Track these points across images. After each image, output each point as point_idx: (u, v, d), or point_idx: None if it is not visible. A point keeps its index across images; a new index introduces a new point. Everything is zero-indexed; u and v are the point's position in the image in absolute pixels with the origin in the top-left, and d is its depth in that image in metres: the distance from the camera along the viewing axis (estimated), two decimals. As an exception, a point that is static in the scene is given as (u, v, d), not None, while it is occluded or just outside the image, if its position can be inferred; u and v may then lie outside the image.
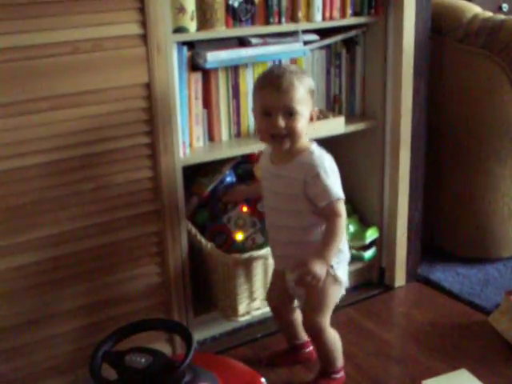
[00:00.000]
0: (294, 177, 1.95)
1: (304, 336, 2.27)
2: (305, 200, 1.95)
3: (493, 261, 2.91)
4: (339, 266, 2.02)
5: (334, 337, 2.10)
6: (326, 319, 2.06)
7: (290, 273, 2.03)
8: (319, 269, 1.87)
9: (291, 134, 1.92)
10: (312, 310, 2.06)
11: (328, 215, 1.94)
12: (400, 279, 2.76)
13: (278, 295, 2.18)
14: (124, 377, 1.63)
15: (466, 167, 2.80)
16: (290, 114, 1.90)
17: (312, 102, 1.96)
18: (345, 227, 1.97)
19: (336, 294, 2.06)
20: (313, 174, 1.91)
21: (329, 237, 1.93)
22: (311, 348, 2.27)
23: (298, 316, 2.22)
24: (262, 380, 1.88)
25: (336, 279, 2.02)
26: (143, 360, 1.63)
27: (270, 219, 2.08)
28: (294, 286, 2.01)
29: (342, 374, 2.16)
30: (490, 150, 2.73)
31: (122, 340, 1.74)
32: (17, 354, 2.00)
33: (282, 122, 1.90)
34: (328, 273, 1.94)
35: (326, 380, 2.15)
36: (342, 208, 1.93)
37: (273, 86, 1.90)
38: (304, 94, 1.92)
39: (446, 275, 2.82)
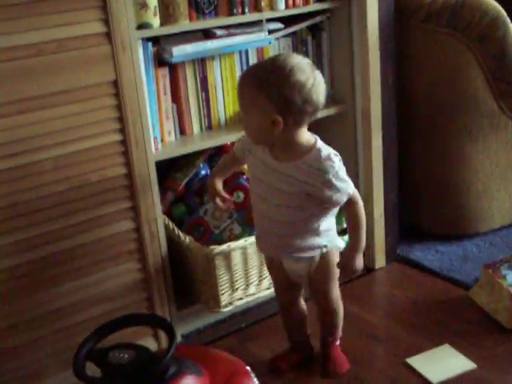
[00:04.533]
0: (300, 179, 1.86)
1: (307, 331, 2.26)
2: (308, 197, 1.88)
3: (470, 236, 2.93)
4: (332, 242, 2.02)
5: (341, 303, 2.15)
6: (336, 284, 2.10)
7: (287, 259, 2.03)
8: (359, 263, 1.97)
9: None
10: (327, 286, 2.08)
11: (345, 207, 1.94)
12: (380, 260, 2.79)
13: (284, 288, 2.14)
14: (108, 373, 1.64)
15: (439, 145, 2.83)
16: None
17: None
18: (363, 210, 1.96)
19: (336, 260, 2.04)
20: (323, 181, 1.84)
21: (356, 227, 1.96)
22: (310, 343, 2.27)
23: (304, 309, 2.21)
24: (247, 368, 1.89)
25: (336, 251, 2.04)
26: (126, 356, 1.63)
27: (263, 211, 1.97)
28: (294, 272, 2.05)
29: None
30: (461, 127, 2.75)
31: (104, 338, 1.74)
32: (1, 359, 2.00)
33: None
34: (328, 253, 2.00)
35: (337, 350, 2.20)
36: (356, 195, 1.94)
37: None
38: None
39: (425, 253, 2.85)
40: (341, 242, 2.06)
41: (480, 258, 2.77)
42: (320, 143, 1.90)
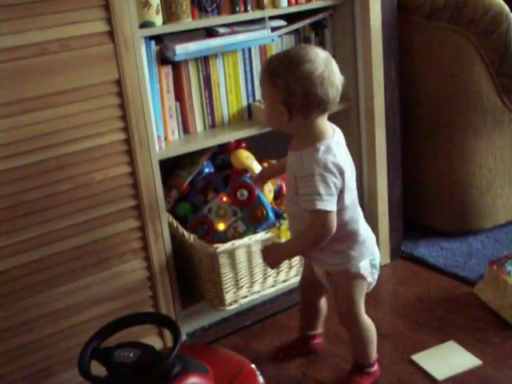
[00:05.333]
0: (293, 170, 1.87)
1: (319, 328, 2.27)
2: None
3: (475, 233, 2.93)
4: (357, 261, 1.96)
5: (368, 328, 2.06)
6: (356, 310, 2.01)
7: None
8: (266, 257, 1.96)
9: None
10: (341, 302, 2.04)
11: (311, 222, 1.84)
12: (384, 257, 2.78)
13: (308, 283, 2.17)
14: (114, 372, 1.64)
15: (442, 141, 2.82)
16: None
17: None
18: (319, 241, 1.85)
19: (359, 286, 1.99)
20: (307, 173, 1.81)
21: (298, 240, 1.93)
22: (320, 340, 2.28)
23: (323, 307, 2.23)
24: (252, 366, 1.89)
25: (354, 274, 1.97)
26: (132, 354, 1.64)
27: (286, 206, 2.04)
28: (324, 276, 2.05)
29: (375, 367, 2.11)
30: (465, 123, 2.75)
31: (109, 337, 1.75)
32: (7, 359, 2.01)
33: None
34: (346, 268, 1.96)
35: (361, 375, 2.10)
36: (325, 222, 1.81)
37: None
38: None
39: (429, 250, 2.85)
40: (364, 268, 1.97)
41: (484, 254, 2.77)
42: (325, 144, 1.83)
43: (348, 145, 2.39)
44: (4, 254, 1.93)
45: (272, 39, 2.38)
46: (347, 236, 1.93)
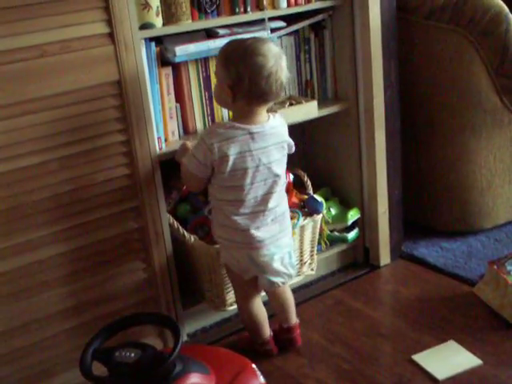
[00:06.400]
0: None
1: (292, 319, 2.28)
2: None
3: (475, 233, 2.94)
4: (223, 250, 2.15)
5: (245, 319, 2.25)
6: (236, 295, 2.25)
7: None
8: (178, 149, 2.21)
9: None
10: None
11: None
12: (385, 258, 2.79)
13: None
14: (115, 372, 1.65)
15: (442, 142, 2.83)
16: None
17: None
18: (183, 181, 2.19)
19: (229, 274, 2.20)
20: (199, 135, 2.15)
21: (185, 165, 2.11)
22: (297, 332, 2.29)
23: (284, 299, 2.25)
24: (253, 366, 1.90)
25: (227, 260, 2.16)
26: (132, 354, 1.64)
27: None
28: None
29: (267, 347, 2.26)
30: (465, 123, 2.75)
31: (111, 337, 1.75)
32: (8, 360, 2.01)
33: None
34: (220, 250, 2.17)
35: (254, 347, 2.26)
36: (183, 172, 2.10)
37: None
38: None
39: (429, 250, 2.85)
40: (228, 259, 2.13)
41: (485, 254, 2.77)
42: (234, 127, 1.99)
43: (348, 145, 2.41)
44: (4, 255, 1.94)
45: (271, 40, 2.38)
46: (225, 217, 2.07)
